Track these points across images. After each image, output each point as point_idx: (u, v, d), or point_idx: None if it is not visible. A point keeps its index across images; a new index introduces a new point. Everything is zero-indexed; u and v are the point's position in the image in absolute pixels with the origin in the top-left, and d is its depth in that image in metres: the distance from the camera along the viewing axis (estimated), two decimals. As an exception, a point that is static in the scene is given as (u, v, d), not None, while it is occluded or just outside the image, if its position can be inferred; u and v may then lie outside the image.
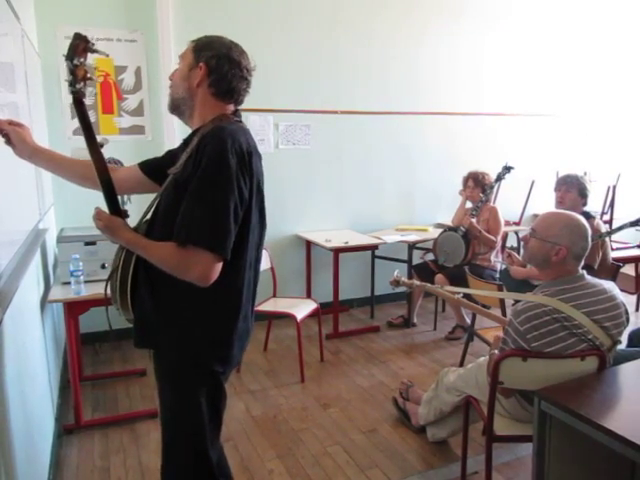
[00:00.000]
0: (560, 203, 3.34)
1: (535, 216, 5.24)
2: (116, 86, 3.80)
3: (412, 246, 4.34)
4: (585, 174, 4.18)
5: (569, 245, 1.91)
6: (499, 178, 4.08)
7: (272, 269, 3.67)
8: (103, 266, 2.86)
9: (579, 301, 1.84)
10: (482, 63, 5.05)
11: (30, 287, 2.41)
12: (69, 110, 3.68)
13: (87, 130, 1.48)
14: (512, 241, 5.20)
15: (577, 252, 1.93)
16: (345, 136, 4.61)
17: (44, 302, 2.75)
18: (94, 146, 1.49)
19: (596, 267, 3.17)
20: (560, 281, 1.92)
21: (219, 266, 1.42)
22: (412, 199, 5.00)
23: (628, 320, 1.93)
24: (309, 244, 4.49)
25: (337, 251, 4.04)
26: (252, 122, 4.17)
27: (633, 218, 3.35)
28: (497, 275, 3.99)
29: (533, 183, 5.38)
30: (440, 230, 4.33)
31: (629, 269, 4.15)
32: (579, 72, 5.57)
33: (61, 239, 2.91)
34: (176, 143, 1.90)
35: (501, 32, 5.09)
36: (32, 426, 2.08)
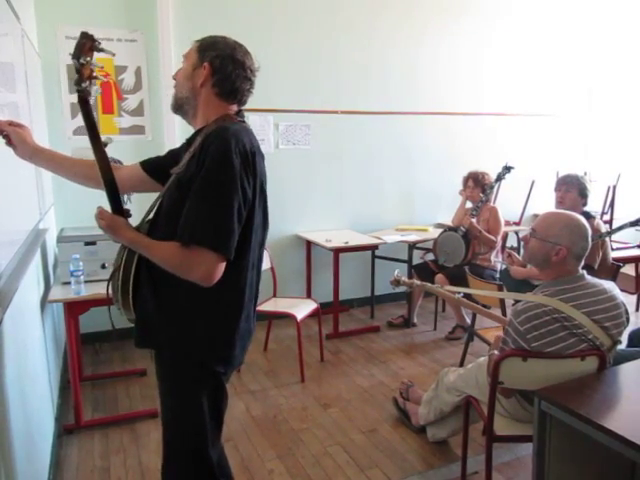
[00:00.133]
0: (560, 203, 3.34)
1: (535, 216, 5.24)
2: (116, 86, 3.80)
3: (412, 246, 4.34)
4: (585, 174, 4.18)
5: (569, 245, 1.91)
6: (499, 178, 4.08)
7: (272, 269, 3.67)
8: (103, 266, 2.86)
9: (579, 301, 1.84)
10: (482, 63, 5.05)
11: (30, 287, 2.41)
12: (69, 110, 3.69)
13: (91, 129, 1.48)
14: (512, 241, 5.20)
15: (577, 252, 1.93)
16: (345, 136, 4.61)
17: (44, 302, 2.75)
18: (98, 145, 1.49)
19: (596, 267, 3.17)
20: (560, 281, 1.92)
21: (222, 266, 1.42)
22: (412, 199, 5.00)
23: (628, 320, 1.93)
24: (309, 244, 4.49)
25: (337, 251, 4.04)
26: (252, 122, 4.16)
27: (633, 218, 3.34)
28: (497, 275, 3.99)
29: (533, 183, 5.38)
30: (440, 230, 4.33)
31: (629, 269, 4.15)
32: (579, 72, 5.57)
33: (61, 239, 2.91)
34: (176, 143, 1.91)
35: (501, 32, 5.09)
36: (32, 426, 2.08)
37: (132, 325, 1.60)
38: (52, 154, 1.78)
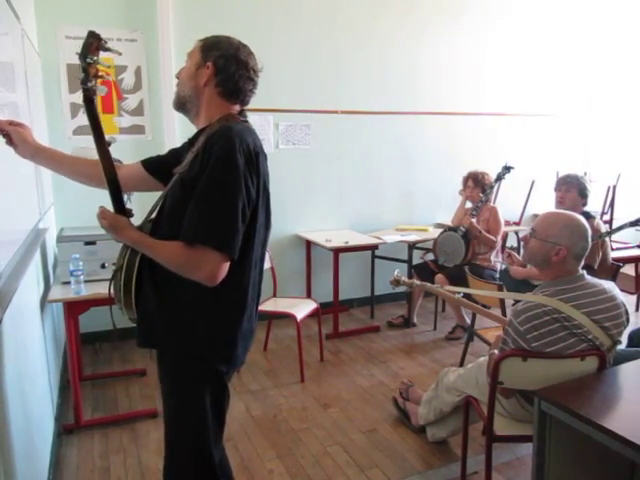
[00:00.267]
0: (560, 203, 3.34)
1: (535, 216, 5.24)
2: (116, 86, 3.80)
3: (412, 246, 4.34)
4: (585, 174, 4.18)
5: (569, 245, 1.91)
6: (499, 178, 4.08)
7: (272, 269, 3.67)
8: (103, 266, 2.86)
9: (579, 301, 1.84)
10: (482, 63, 5.05)
11: (30, 287, 2.41)
12: (69, 110, 3.69)
13: (96, 129, 1.48)
14: (512, 241, 5.20)
15: (577, 252, 1.93)
16: (345, 136, 4.61)
17: (44, 302, 2.75)
18: (102, 145, 1.49)
19: (596, 267, 3.17)
20: (560, 281, 1.92)
21: (226, 265, 1.42)
22: (412, 199, 5.00)
23: (628, 320, 1.93)
24: (309, 244, 4.49)
25: (337, 251, 4.04)
26: (252, 122, 4.07)
27: (633, 218, 3.34)
28: (497, 275, 3.99)
29: (533, 183, 5.38)
30: (440, 230, 4.32)
31: (629, 269, 4.15)
32: (579, 72, 5.57)
33: (61, 239, 2.91)
34: (176, 142, 1.90)
35: (501, 32, 5.09)
36: (32, 426, 2.08)
37: (133, 325, 1.60)
38: (53, 153, 1.78)
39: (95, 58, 1.45)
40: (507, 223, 4.81)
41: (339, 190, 4.68)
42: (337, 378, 3.41)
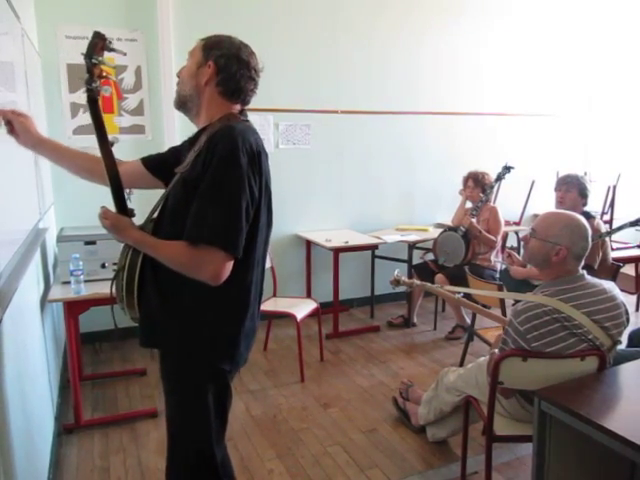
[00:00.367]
0: (560, 203, 3.34)
1: (535, 216, 5.24)
2: (116, 85, 3.80)
3: (412, 246, 4.34)
4: (585, 174, 4.18)
5: (569, 245, 1.91)
6: (499, 178, 4.08)
7: (272, 269, 3.67)
8: (103, 265, 2.86)
9: (579, 301, 1.84)
10: (482, 63, 5.05)
11: (30, 287, 2.41)
12: (69, 110, 3.69)
13: (99, 129, 1.48)
14: (512, 241, 5.20)
15: (577, 252, 1.93)
16: (345, 136, 4.61)
17: (44, 302, 2.75)
18: (105, 144, 1.49)
19: (596, 267, 3.17)
20: (560, 281, 1.92)
21: (230, 265, 1.43)
22: (412, 199, 5.00)
23: (628, 320, 1.93)
24: (309, 244, 4.49)
25: (337, 251, 4.04)
26: (252, 121, 4.14)
27: (633, 218, 3.34)
28: (497, 275, 3.99)
29: (533, 183, 5.38)
30: (440, 230, 4.32)
31: (629, 269, 4.15)
32: (580, 72, 5.57)
33: (61, 238, 2.90)
34: (176, 142, 1.90)
35: (501, 32, 5.09)
36: (32, 425, 2.08)
37: (134, 324, 1.60)
38: (55, 145, 1.76)
39: (100, 59, 1.45)
40: (507, 223, 4.81)
41: (339, 190, 4.68)
42: (337, 378, 3.41)
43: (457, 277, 3.64)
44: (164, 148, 2.02)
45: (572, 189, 3.31)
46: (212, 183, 1.39)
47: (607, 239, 3.33)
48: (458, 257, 3.99)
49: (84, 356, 3.51)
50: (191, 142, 1.56)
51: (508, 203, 5.09)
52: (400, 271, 2.69)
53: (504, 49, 5.13)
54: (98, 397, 3.14)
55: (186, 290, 1.47)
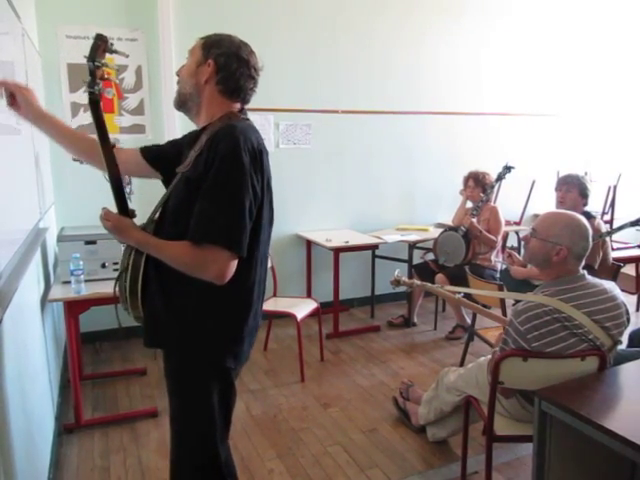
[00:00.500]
0: (561, 203, 3.34)
1: (536, 216, 5.24)
2: (116, 85, 3.80)
3: (412, 246, 4.34)
4: (586, 174, 4.18)
5: (570, 245, 1.91)
6: (500, 178, 4.07)
7: (273, 268, 3.66)
8: (103, 265, 2.86)
9: (580, 301, 1.84)
10: (483, 63, 5.05)
11: (30, 286, 2.41)
12: (69, 109, 3.69)
13: (101, 130, 1.48)
14: (512, 241, 5.20)
15: (578, 252, 1.93)
16: (346, 135, 4.61)
17: (44, 301, 2.75)
18: (107, 145, 1.49)
19: (597, 267, 3.17)
20: (561, 281, 1.92)
21: (235, 264, 1.43)
22: (413, 199, 5.00)
23: (629, 320, 1.93)
24: (309, 244, 4.49)
25: (337, 251, 4.04)
26: (252, 121, 4.15)
27: (633, 218, 3.34)
28: (497, 275, 3.98)
29: (534, 183, 5.37)
30: (440, 230, 4.32)
31: (629, 269, 4.15)
32: (580, 72, 5.56)
33: (61, 238, 2.90)
34: (177, 142, 1.88)
35: (502, 32, 5.08)
36: (32, 425, 2.08)
37: (137, 324, 1.60)
38: (56, 122, 1.74)
39: (103, 61, 1.45)
40: (507, 223, 4.80)
41: (339, 190, 4.68)
42: (337, 378, 3.41)
43: (457, 277, 3.64)
44: (164, 148, 2.01)
45: (573, 189, 3.31)
46: (215, 182, 1.39)
47: (607, 239, 3.33)
48: (458, 257, 3.98)
49: (84, 356, 3.51)
50: (191, 142, 1.56)
51: (508, 203, 5.09)
52: (400, 271, 2.69)
53: (504, 49, 5.12)
54: (98, 397, 3.14)
55: (189, 290, 1.47)
